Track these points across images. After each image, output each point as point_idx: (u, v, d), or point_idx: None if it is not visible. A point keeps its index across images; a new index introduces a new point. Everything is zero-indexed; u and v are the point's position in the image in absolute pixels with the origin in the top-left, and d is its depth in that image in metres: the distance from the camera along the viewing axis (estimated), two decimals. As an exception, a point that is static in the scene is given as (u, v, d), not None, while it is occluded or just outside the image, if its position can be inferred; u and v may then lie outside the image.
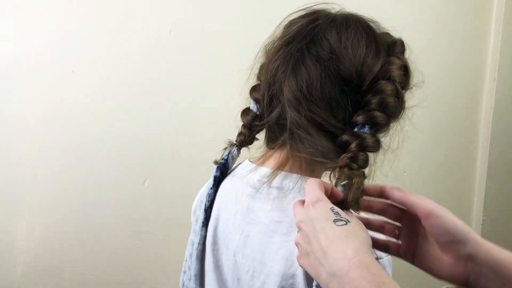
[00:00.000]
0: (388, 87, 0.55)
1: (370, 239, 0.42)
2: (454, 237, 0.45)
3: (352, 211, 0.49)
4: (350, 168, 0.50)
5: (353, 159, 0.51)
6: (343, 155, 0.52)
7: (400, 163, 1.84)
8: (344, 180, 0.49)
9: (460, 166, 1.97)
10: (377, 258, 0.55)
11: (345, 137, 0.54)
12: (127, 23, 1.45)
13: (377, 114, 0.54)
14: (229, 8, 1.51)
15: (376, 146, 0.54)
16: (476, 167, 1.99)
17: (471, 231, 0.46)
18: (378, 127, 0.55)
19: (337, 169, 0.51)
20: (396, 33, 0.63)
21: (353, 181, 0.49)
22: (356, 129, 0.54)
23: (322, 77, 0.56)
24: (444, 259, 0.47)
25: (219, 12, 1.51)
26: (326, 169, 0.58)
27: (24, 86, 1.40)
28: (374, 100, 0.55)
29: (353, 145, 0.52)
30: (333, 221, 0.41)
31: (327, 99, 0.56)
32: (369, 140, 0.53)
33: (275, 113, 0.59)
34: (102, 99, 1.46)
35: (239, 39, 1.50)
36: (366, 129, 0.54)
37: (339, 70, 0.56)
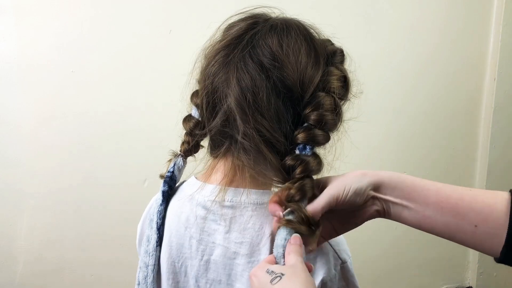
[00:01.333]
0: (327, 101, 0.54)
1: (310, 277, 0.46)
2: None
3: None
4: (297, 203, 0.51)
5: (301, 188, 0.51)
6: (289, 183, 0.52)
7: (400, 162, 1.85)
8: (293, 212, 0.51)
9: (460, 166, 1.97)
10: (342, 263, 0.57)
11: (289, 161, 0.53)
12: (127, 23, 1.45)
13: (317, 132, 0.54)
14: (229, 8, 1.51)
15: (320, 168, 0.54)
16: (476, 167, 1.99)
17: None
18: (319, 145, 0.55)
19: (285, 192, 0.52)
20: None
21: (300, 214, 0.50)
22: (297, 151, 0.54)
23: (267, 87, 0.54)
24: (362, 209, 0.54)
25: (219, 12, 1.50)
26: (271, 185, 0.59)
27: (24, 86, 1.40)
28: (313, 117, 0.54)
29: (298, 171, 0.52)
30: (270, 281, 0.45)
31: (274, 110, 0.54)
32: (313, 163, 0.53)
33: (217, 120, 0.57)
34: (102, 99, 1.46)
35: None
36: (308, 150, 0.53)
37: (282, 78, 0.54)
